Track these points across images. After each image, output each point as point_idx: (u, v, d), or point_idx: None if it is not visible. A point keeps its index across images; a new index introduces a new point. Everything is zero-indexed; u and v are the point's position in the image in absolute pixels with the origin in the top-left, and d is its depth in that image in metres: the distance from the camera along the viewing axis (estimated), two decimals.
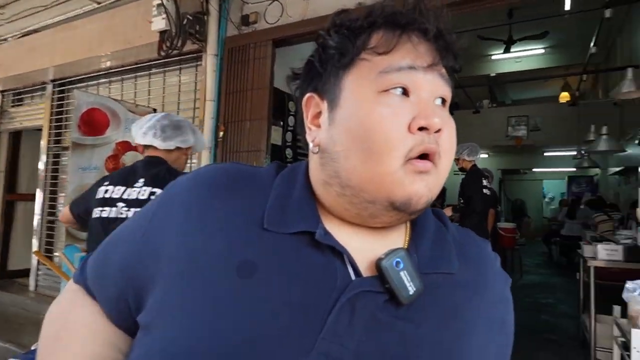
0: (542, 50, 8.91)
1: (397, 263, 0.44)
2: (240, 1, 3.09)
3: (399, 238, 0.50)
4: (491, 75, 9.75)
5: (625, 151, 6.61)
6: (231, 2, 3.09)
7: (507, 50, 7.87)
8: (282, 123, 3.24)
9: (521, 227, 8.77)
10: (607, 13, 5.50)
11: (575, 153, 9.16)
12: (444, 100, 0.48)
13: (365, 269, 0.46)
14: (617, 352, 2.01)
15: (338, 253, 0.45)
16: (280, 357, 0.39)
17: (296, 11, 2.88)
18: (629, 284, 1.75)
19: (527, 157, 11.37)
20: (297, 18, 2.87)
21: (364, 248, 0.47)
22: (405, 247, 0.49)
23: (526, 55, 8.99)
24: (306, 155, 0.53)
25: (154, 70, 3.56)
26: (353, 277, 0.45)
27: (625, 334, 1.77)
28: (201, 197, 0.47)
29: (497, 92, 11.83)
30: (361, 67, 0.46)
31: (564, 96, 9.68)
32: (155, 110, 3.18)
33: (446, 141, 0.46)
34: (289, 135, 3.27)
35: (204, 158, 2.96)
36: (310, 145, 0.49)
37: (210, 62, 2.97)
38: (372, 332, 0.42)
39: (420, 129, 0.44)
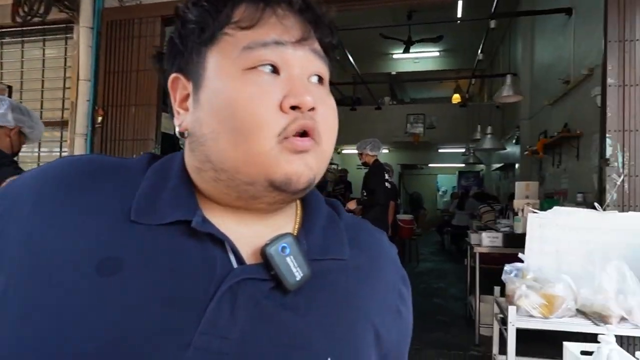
0: (438, 53, 9.70)
1: (283, 248, 0.42)
2: None
3: (288, 225, 0.48)
4: (392, 73, 10.32)
5: (505, 149, 7.47)
6: None
7: (406, 50, 8.41)
8: None
9: (418, 219, 9.38)
10: (492, 24, 6.12)
11: (464, 150, 10.10)
12: (321, 78, 0.46)
13: (249, 257, 0.43)
14: (496, 327, 2.24)
15: (218, 241, 0.42)
16: (153, 356, 0.36)
17: None
18: (507, 267, 1.96)
19: (423, 153, 12.27)
20: None
21: (250, 235, 0.45)
22: (295, 233, 0.47)
23: (423, 57, 9.72)
24: None
25: (8, 40, 3.00)
26: (235, 265, 0.42)
27: (503, 311, 1.98)
28: (51, 191, 0.42)
29: (398, 90, 12.58)
30: (224, 43, 0.43)
31: (456, 98, 10.65)
32: (10, 88, 2.66)
33: (324, 119, 0.44)
34: None
35: (78, 146, 2.57)
36: (177, 130, 0.46)
37: (84, 35, 2.56)
38: (257, 322, 0.40)
39: (293, 108, 0.41)
